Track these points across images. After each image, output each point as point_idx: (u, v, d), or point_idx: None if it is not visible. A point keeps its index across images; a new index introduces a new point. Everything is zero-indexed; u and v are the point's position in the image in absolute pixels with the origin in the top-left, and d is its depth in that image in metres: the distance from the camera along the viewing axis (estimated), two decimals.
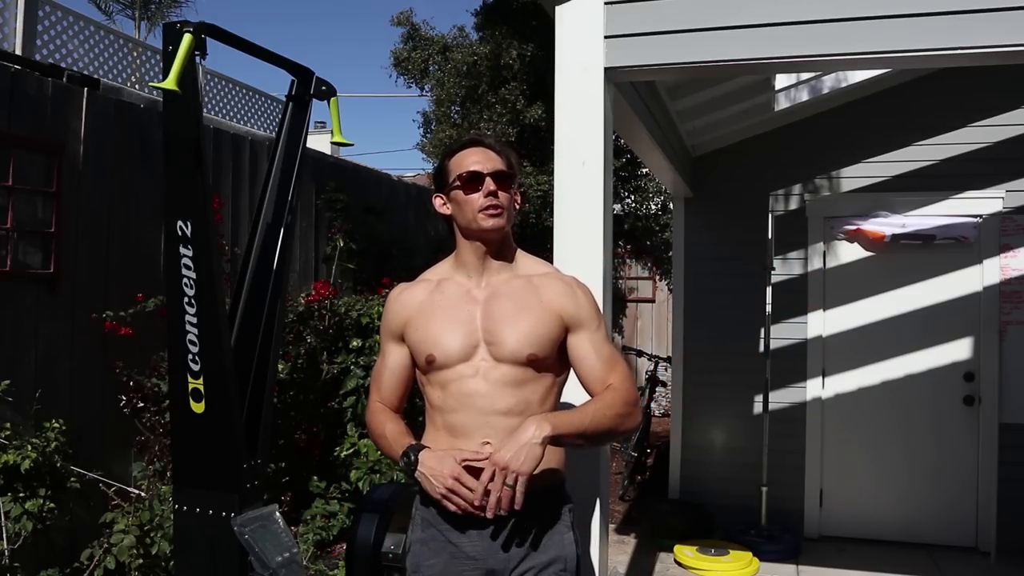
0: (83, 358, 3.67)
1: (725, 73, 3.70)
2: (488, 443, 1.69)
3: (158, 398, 3.78)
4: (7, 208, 3.35)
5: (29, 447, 3.09)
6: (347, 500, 4.19)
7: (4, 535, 2.99)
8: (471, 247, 1.83)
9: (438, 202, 1.88)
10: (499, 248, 1.83)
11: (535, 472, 1.63)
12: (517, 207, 1.87)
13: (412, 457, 1.68)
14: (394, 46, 7.27)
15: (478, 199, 1.77)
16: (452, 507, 1.62)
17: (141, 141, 4.00)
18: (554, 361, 1.79)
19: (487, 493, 1.56)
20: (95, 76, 5.46)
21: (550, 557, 1.73)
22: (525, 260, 1.89)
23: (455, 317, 1.78)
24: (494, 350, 1.74)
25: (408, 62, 6.99)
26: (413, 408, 4.48)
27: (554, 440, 1.62)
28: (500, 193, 1.78)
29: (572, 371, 1.84)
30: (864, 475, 4.93)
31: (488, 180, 1.77)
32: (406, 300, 1.88)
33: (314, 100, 2.40)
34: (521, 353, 1.73)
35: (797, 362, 5.01)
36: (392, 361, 1.89)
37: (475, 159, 1.80)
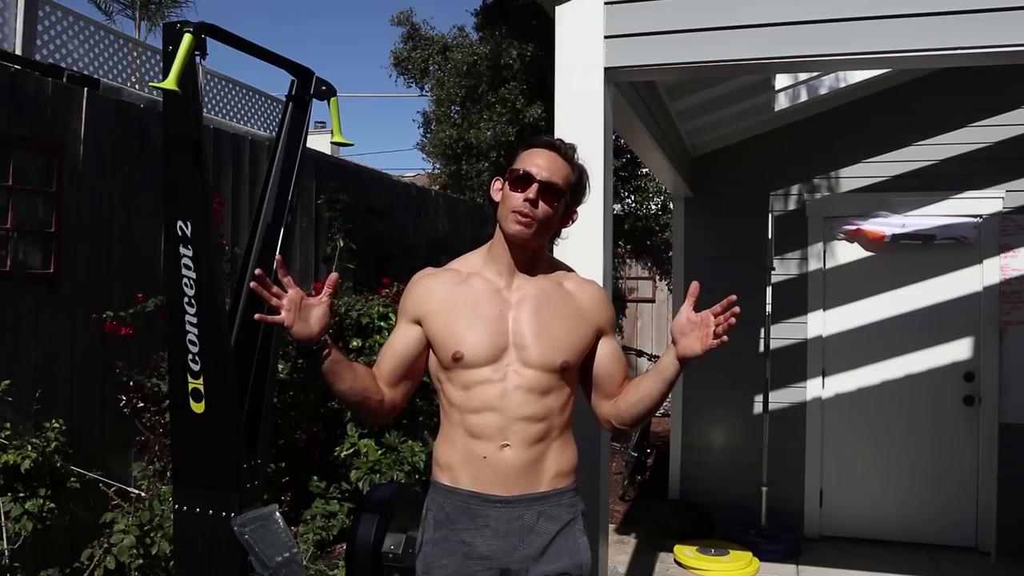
0: (83, 358, 3.67)
1: (725, 73, 3.70)
2: (507, 445, 1.69)
3: (158, 398, 3.78)
4: (7, 208, 3.34)
5: (29, 447, 3.09)
6: (347, 500, 4.19)
7: (4, 535, 2.99)
8: (503, 243, 1.78)
9: (496, 185, 1.82)
10: (530, 255, 1.79)
11: (557, 470, 1.74)
12: (569, 224, 1.83)
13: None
14: (394, 46, 7.28)
15: (516, 199, 1.72)
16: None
17: (141, 141, 3.99)
18: (576, 372, 1.79)
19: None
20: (95, 76, 5.46)
21: (565, 564, 1.72)
22: (556, 267, 1.87)
23: (484, 316, 1.73)
24: (524, 355, 1.71)
25: (408, 62, 7.00)
26: (414, 409, 4.47)
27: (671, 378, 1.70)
28: (541, 204, 1.71)
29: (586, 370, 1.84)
30: (864, 475, 4.93)
31: (534, 187, 1.71)
32: (430, 286, 1.81)
33: (314, 100, 2.40)
34: (554, 360, 1.71)
35: (797, 362, 5.01)
36: (398, 342, 1.81)
37: (538, 162, 1.74)
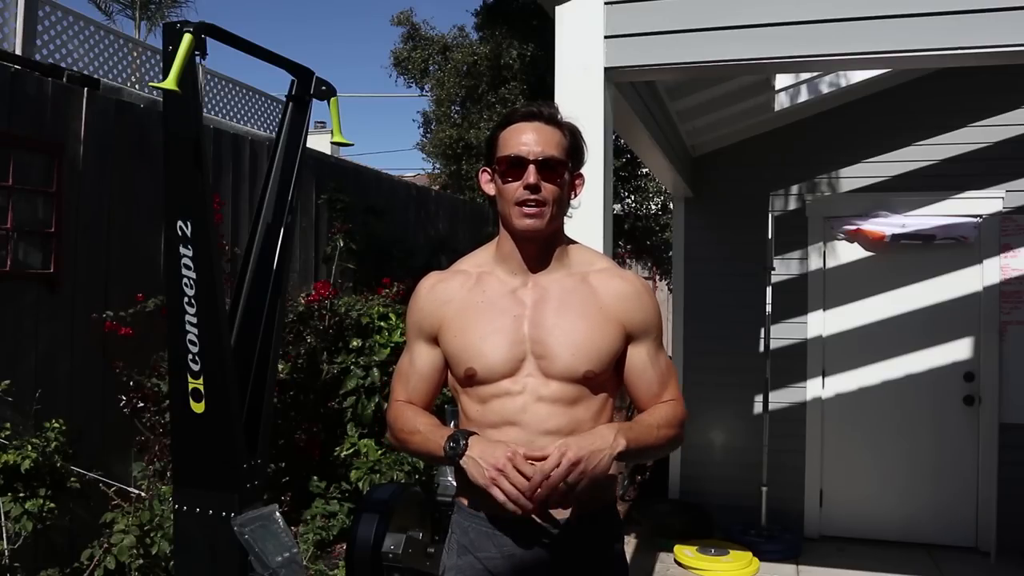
0: (83, 358, 3.67)
1: (725, 73, 3.69)
2: (531, 463, 1.45)
3: (158, 398, 3.78)
4: (7, 208, 3.34)
5: (29, 447, 3.09)
6: (347, 500, 4.19)
7: (4, 535, 2.99)
8: (511, 240, 1.59)
9: (483, 178, 1.62)
10: (544, 246, 1.58)
11: (590, 490, 1.45)
12: (576, 194, 1.61)
13: (461, 442, 1.44)
14: (394, 46, 7.29)
15: (516, 191, 1.51)
16: (499, 495, 1.38)
17: (141, 141, 3.99)
18: (610, 376, 1.57)
19: (539, 486, 1.36)
20: (95, 76, 5.46)
21: None
22: (579, 253, 1.64)
23: (499, 324, 1.55)
24: (544, 365, 1.52)
25: (408, 62, 7.01)
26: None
27: (620, 457, 1.44)
28: (544, 186, 1.51)
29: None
30: (864, 475, 4.93)
31: (531, 169, 1.50)
32: (441, 296, 1.62)
33: (314, 100, 2.40)
34: (577, 370, 1.51)
35: (797, 362, 5.01)
36: (422, 364, 1.65)
37: (524, 139, 1.53)
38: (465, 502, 1.61)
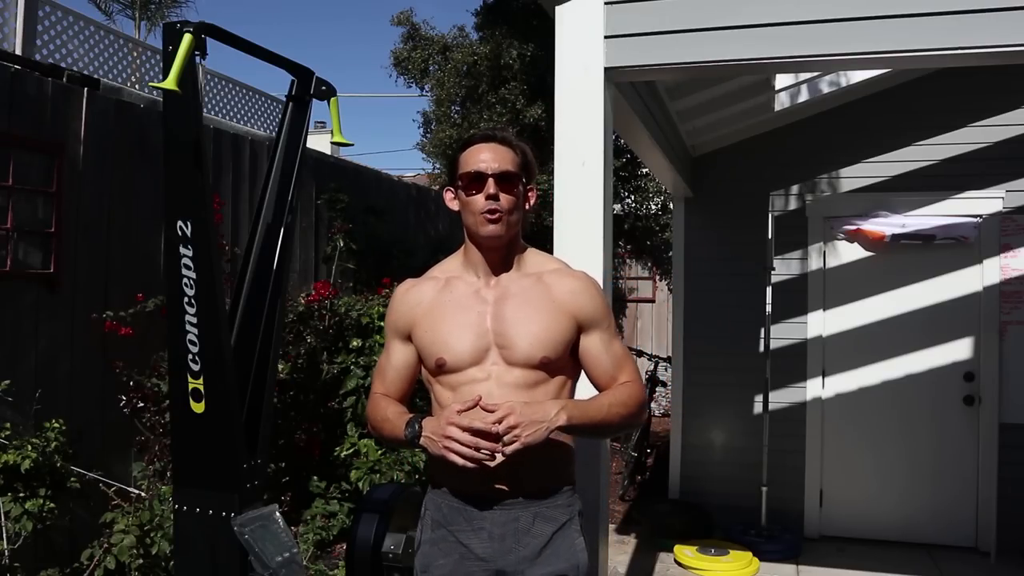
0: (83, 358, 3.67)
1: (725, 73, 3.70)
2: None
3: (158, 398, 3.78)
4: (7, 208, 3.35)
5: (29, 447, 3.09)
6: (347, 500, 4.19)
7: (4, 535, 2.99)
8: (476, 248, 1.80)
9: (448, 196, 1.83)
10: (505, 252, 1.79)
11: (552, 469, 1.71)
12: (530, 204, 1.83)
13: (416, 427, 1.65)
14: (394, 46, 7.27)
15: (479, 202, 1.73)
16: (456, 459, 1.56)
17: (141, 141, 4.00)
18: (566, 362, 1.77)
19: (488, 436, 1.55)
20: (95, 76, 5.46)
21: (561, 567, 1.70)
22: (534, 257, 1.85)
23: (465, 319, 1.75)
24: (506, 353, 1.71)
25: (408, 62, 6.99)
26: (413, 409, 4.50)
27: (565, 430, 1.62)
28: (502, 196, 1.73)
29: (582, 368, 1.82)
30: (864, 475, 4.93)
31: (490, 182, 1.72)
32: (414, 299, 1.84)
33: (314, 100, 2.40)
34: (534, 356, 1.70)
35: (797, 362, 5.01)
36: (397, 359, 1.85)
37: (483, 156, 1.75)
38: (438, 480, 1.78)
